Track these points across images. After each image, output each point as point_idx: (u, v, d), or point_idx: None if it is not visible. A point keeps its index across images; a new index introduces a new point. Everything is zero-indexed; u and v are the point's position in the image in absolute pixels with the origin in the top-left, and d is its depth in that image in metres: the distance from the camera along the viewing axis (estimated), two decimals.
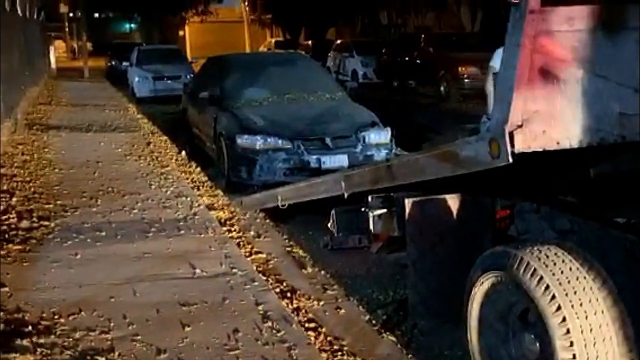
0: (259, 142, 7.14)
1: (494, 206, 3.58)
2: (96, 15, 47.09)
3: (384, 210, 3.91)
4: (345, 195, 4.09)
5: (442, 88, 16.65)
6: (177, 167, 8.43)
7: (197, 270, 4.64)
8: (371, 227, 4.06)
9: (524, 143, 2.57)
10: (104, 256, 4.91)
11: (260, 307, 4.01)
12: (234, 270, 4.65)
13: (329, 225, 4.78)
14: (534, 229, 3.35)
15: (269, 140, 7.11)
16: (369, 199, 4.05)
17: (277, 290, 4.44)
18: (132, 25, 53.02)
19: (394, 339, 3.83)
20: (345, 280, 4.82)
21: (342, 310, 4.22)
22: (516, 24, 2.68)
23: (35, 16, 19.69)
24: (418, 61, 18.18)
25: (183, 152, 9.38)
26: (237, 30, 44.37)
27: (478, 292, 2.96)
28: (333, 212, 4.71)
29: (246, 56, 12.61)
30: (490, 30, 22.90)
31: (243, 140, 7.20)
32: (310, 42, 28.08)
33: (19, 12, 14.47)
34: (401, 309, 4.27)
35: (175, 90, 17.41)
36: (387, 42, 21.65)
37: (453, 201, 3.57)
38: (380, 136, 7.41)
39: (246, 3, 40.50)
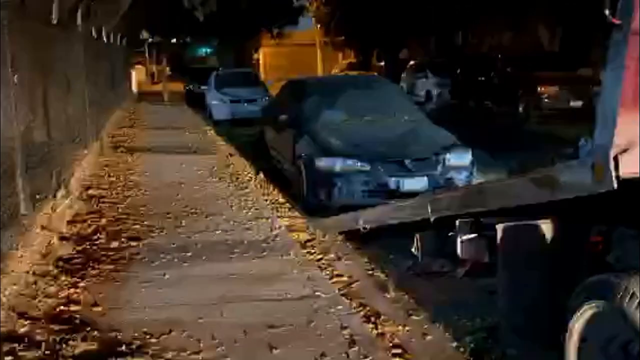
0: (337, 164, 7.17)
1: (589, 232, 3.46)
2: (173, 40, 48.66)
3: (473, 236, 3.84)
4: (431, 220, 4.04)
5: (520, 108, 16.31)
6: (256, 189, 8.56)
7: (281, 293, 4.67)
8: (459, 252, 4.00)
9: (630, 168, 2.47)
10: (191, 277, 5.02)
11: (345, 331, 4.00)
12: (318, 293, 4.67)
13: (412, 249, 4.74)
14: (634, 257, 3.21)
15: (348, 162, 7.13)
16: (457, 223, 3.99)
17: (361, 314, 4.42)
18: (208, 50, 54.43)
19: None
20: (429, 306, 4.74)
21: (429, 337, 4.15)
22: (619, 46, 2.60)
23: (118, 43, 20.52)
24: (495, 81, 17.89)
25: (261, 174, 9.53)
26: (310, 53, 44.89)
27: (578, 321, 2.86)
28: (417, 236, 4.67)
29: (324, 79, 12.77)
30: (571, 49, 22.41)
31: (322, 162, 7.25)
32: (382, 63, 28.08)
33: (104, 38, 15.12)
34: (490, 337, 4.16)
35: (252, 113, 17.77)
36: (462, 63, 21.42)
37: (546, 227, 3.47)
38: (460, 158, 7.32)
39: (319, 26, 40.92)
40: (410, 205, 4.51)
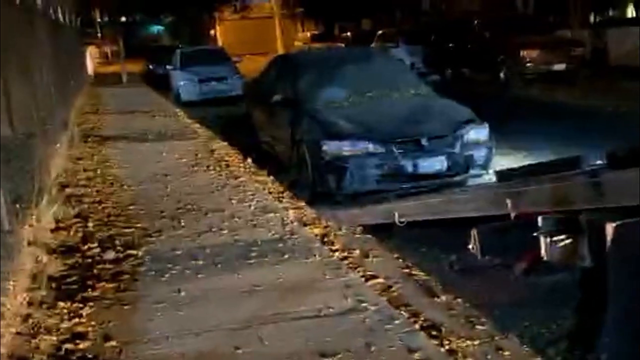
0: (347, 148, 6.50)
1: None
2: (123, 19, 47.02)
3: (564, 236, 3.23)
4: (512, 217, 3.40)
5: (501, 74, 15.81)
6: (250, 177, 7.84)
7: (321, 306, 4.01)
8: (544, 253, 3.40)
9: None
10: (211, 291, 4.32)
11: (416, 355, 3.38)
12: (364, 305, 4.03)
13: (469, 246, 4.14)
14: None
15: (358, 145, 6.46)
16: (540, 220, 3.39)
17: (417, 326, 3.81)
18: (160, 27, 52.86)
19: None
20: (489, 310, 4.15)
21: (506, 352, 3.56)
22: None
23: (72, 23, 19.32)
24: (471, 47, 17.32)
25: (249, 159, 8.80)
26: (268, 26, 43.71)
27: None
28: (475, 231, 4.06)
29: (316, 54, 11.94)
30: (545, 11, 22.00)
31: (329, 147, 6.56)
32: (348, 33, 27.31)
33: (60, 18, 14.05)
34: (576, 345, 3.61)
35: (222, 92, 17.00)
36: (433, 30, 20.80)
37: None
38: (479, 133, 6.72)
39: None
40: (475, 196, 3.84)
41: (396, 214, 4.75)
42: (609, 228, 2.90)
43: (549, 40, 15.90)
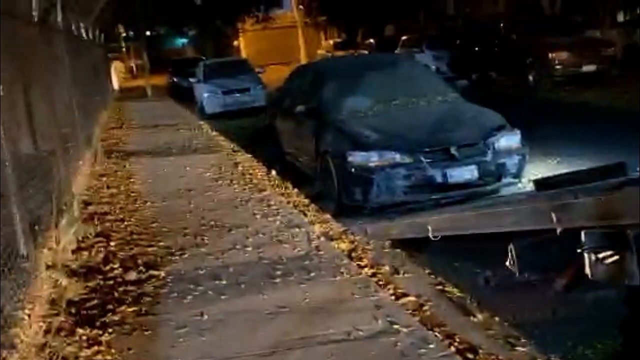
0: (373, 159, 6.28)
1: None
2: (147, 33, 47.37)
3: (610, 252, 2.99)
4: (558, 232, 3.16)
5: (530, 77, 15.45)
6: (275, 190, 7.67)
7: (350, 328, 3.81)
8: (588, 271, 3.16)
9: None
10: (234, 314, 4.14)
11: None
12: (395, 327, 3.81)
13: (507, 263, 3.90)
14: None
15: (385, 155, 6.24)
16: (583, 236, 3.15)
17: (452, 349, 3.58)
18: (184, 40, 53.21)
19: None
20: (531, 330, 3.91)
21: None
22: None
23: (97, 39, 19.42)
24: (497, 50, 16.98)
25: (273, 172, 8.64)
26: (291, 35, 43.70)
27: None
28: (512, 246, 3.83)
29: (340, 61, 11.74)
30: (573, 11, 21.52)
31: (355, 158, 6.35)
32: (372, 40, 27.10)
33: (83, 35, 14.07)
34: None
35: (246, 104, 16.91)
36: (458, 33, 20.50)
37: None
38: (511, 140, 6.46)
39: (300, 6, 39.76)
40: (515, 210, 3.59)
41: (430, 228, 4.51)
42: None
43: (577, 41, 15.51)
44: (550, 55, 14.87)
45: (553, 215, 3.11)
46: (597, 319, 3.85)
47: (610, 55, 15.46)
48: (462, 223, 4.27)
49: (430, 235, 4.51)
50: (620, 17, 23.97)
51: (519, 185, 6.68)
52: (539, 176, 7.32)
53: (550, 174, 7.25)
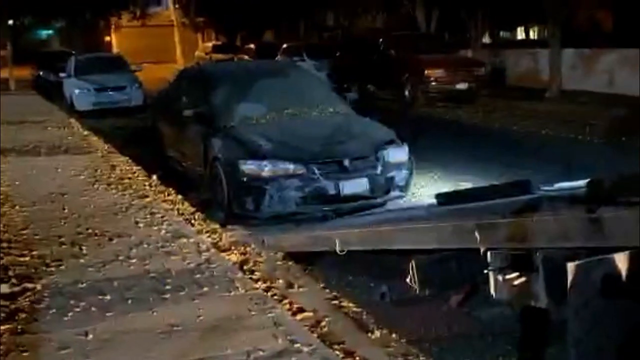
0: (267, 168, 6.15)
1: None
2: (10, 22, 44.39)
3: (517, 274, 3.04)
4: (481, 251, 3.16)
5: (406, 92, 15.96)
6: (157, 196, 7.33)
7: (250, 348, 3.65)
8: (493, 291, 3.21)
9: None
10: (123, 334, 3.84)
11: None
12: (296, 345, 3.70)
13: (408, 279, 3.90)
14: None
15: (279, 165, 6.13)
16: (489, 256, 3.19)
17: None
18: (50, 32, 50.36)
19: None
20: (428, 346, 3.94)
21: None
22: None
23: None
24: (376, 64, 17.40)
25: (154, 176, 8.28)
26: (167, 35, 42.59)
27: None
28: (413, 263, 3.83)
29: (230, 67, 11.43)
30: (447, 31, 22.53)
31: (248, 167, 6.19)
32: (252, 45, 26.94)
33: None
34: None
35: (120, 102, 16.20)
36: (339, 45, 20.82)
37: (622, 261, 2.76)
38: (399, 154, 6.57)
39: (177, 6, 38.83)
40: (436, 227, 3.53)
41: (337, 242, 4.43)
42: (571, 267, 2.73)
43: (451, 59, 16.27)
44: (426, 72, 15.44)
45: (477, 234, 3.09)
46: (493, 335, 3.94)
47: (481, 75, 16.31)
48: (376, 238, 4.21)
49: (337, 249, 4.43)
50: (486, 39, 25.47)
51: (405, 198, 6.81)
52: (424, 189, 7.56)
53: (433, 187, 7.53)
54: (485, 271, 3.15)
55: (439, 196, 4.12)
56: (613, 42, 17.29)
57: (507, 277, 3.06)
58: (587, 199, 2.75)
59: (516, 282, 3.04)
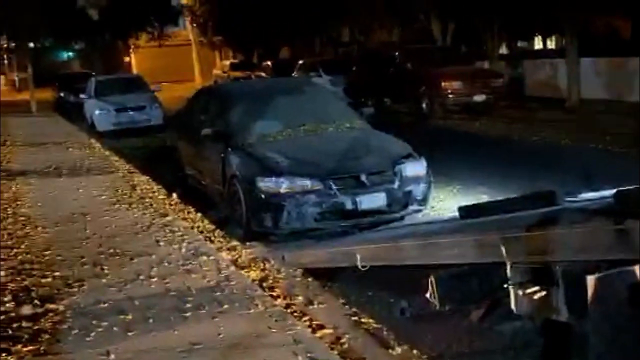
0: (284, 185, 6.17)
1: None
2: (31, 44, 45.17)
3: (537, 288, 3.02)
4: (508, 266, 3.12)
5: (423, 105, 15.95)
6: (177, 215, 7.39)
7: None
8: (513, 306, 3.19)
9: None
10: (145, 353, 3.87)
11: None
12: None
13: (427, 295, 3.88)
14: None
15: (296, 181, 6.15)
16: (509, 270, 3.17)
17: None
18: (70, 54, 51.09)
19: None
20: None
21: None
22: None
23: None
24: (392, 78, 17.41)
25: (175, 195, 8.35)
26: (185, 54, 43.08)
27: None
28: (433, 278, 3.81)
29: (247, 85, 11.55)
30: (463, 43, 22.52)
31: (265, 184, 6.22)
32: (269, 62, 27.13)
33: None
34: None
35: (140, 122, 16.36)
36: (354, 60, 20.89)
37: None
38: (417, 168, 6.56)
39: (194, 25, 39.25)
40: (460, 242, 3.49)
41: (359, 257, 4.43)
42: (590, 280, 2.71)
43: (468, 71, 16.24)
44: (442, 84, 15.43)
45: (503, 248, 3.04)
46: (515, 350, 3.91)
47: (499, 86, 16.26)
48: (397, 253, 4.20)
49: (358, 264, 4.43)
50: (503, 50, 25.39)
51: (424, 212, 6.79)
52: (443, 203, 7.53)
53: (452, 201, 7.49)
54: (506, 285, 3.13)
55: (461, 209, 4.10)
56: (631, 50, 17.14)
57: (528, 291, 3.04)
58: (613, 210, 2.72)
59: (536, 296, 3.02)
